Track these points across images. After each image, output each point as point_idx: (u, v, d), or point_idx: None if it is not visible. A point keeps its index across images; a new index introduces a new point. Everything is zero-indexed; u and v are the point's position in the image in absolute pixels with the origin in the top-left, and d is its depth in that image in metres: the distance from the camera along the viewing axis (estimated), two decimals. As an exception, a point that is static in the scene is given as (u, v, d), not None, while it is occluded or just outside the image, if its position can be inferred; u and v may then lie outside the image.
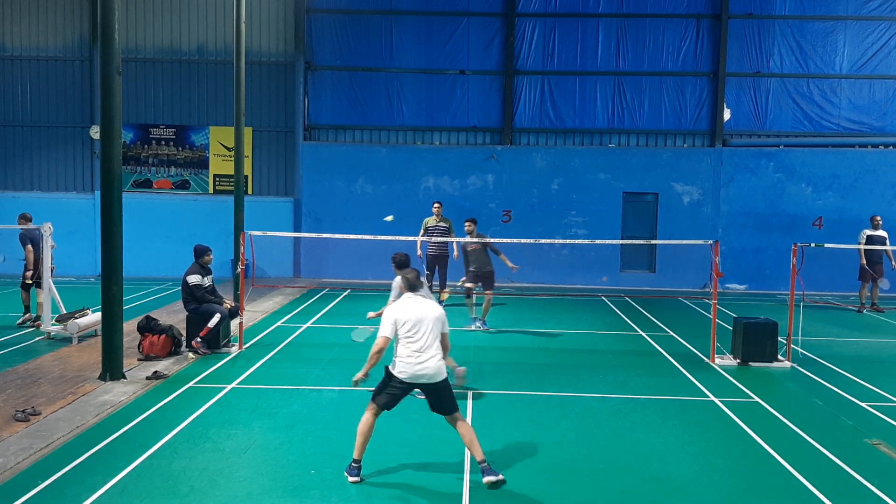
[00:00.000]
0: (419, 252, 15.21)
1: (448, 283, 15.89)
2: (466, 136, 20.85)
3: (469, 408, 8.65)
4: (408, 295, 6.74)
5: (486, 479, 6.35)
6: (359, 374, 6.63)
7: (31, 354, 10.95)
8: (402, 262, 8.54)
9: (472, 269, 13.45)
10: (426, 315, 6.56)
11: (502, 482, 6.39)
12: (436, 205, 15.65)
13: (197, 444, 7.28)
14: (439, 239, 15.23)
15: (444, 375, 6.56)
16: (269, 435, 7.62)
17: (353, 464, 6.49)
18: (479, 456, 6.45)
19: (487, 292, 13.50)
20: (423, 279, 12.54)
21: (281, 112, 20.94)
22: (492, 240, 13.69)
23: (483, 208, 20.43)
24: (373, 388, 6.72)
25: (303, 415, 8.33)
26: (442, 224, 15.50)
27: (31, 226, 13.63)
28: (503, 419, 8.29)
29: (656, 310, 16.17)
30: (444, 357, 6.66)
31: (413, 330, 6.48)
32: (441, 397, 6.57)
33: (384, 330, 6.53)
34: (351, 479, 6.43)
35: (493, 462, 6.72)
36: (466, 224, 13.63)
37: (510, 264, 13.24)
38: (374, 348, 6.51)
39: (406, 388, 6.54)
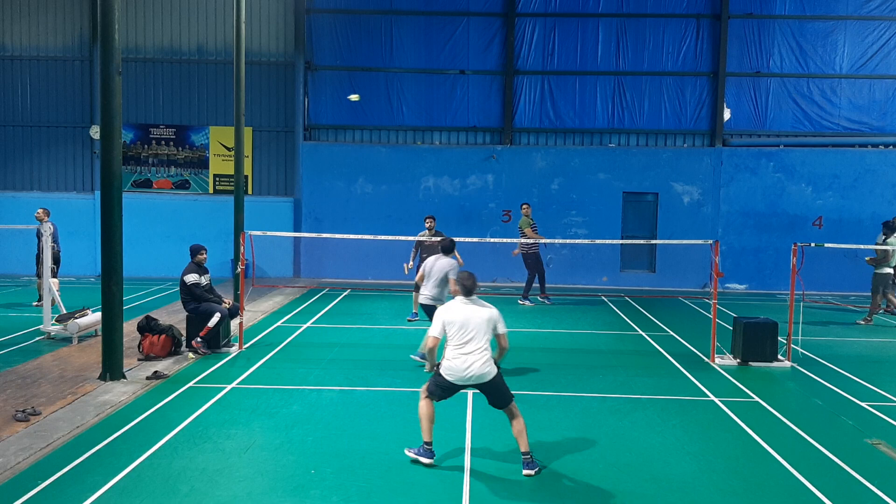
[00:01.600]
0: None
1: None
2: (466, 136, 20.85)
3: (469, 408, 8.65)
4: (461, 299, 6.87)
5: (525, 471, 6.71)
6: (427, 367, 7.27)
7: (31, 354, 10.95)
8: (446, 247, 10.50)
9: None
10: (472, 318, 6.73)
11: (539, 472, 6.74)
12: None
13: (197, 444, 7.28)
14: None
15: (493, 374, 6.76)
16: (269, 435, 7.62)
17: (424, 446, 6.83)
18: (523, 448, 6.79)
19: None
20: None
21: (281, 112, 20.95)
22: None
23: (483, 208, 20.45)
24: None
25: (303, 415, 8.33)
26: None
27: (46, 221, 14.67)
28: (503, 419, 8.28)
29: (656, 310, 16.17)
30: (499, 357, 6.95)
31: (459, 332, 6.71)
32: (493, 394, 6.89)
33: (433, 330, 6.85)
34: (424, 461, 6.78)
35: (494, 461, 6.75)
36: (427, 220, 14.60)
37: (459, 260, 14.70)
38: (427, 346, 6.92)
39: (452, 386, 6.84)
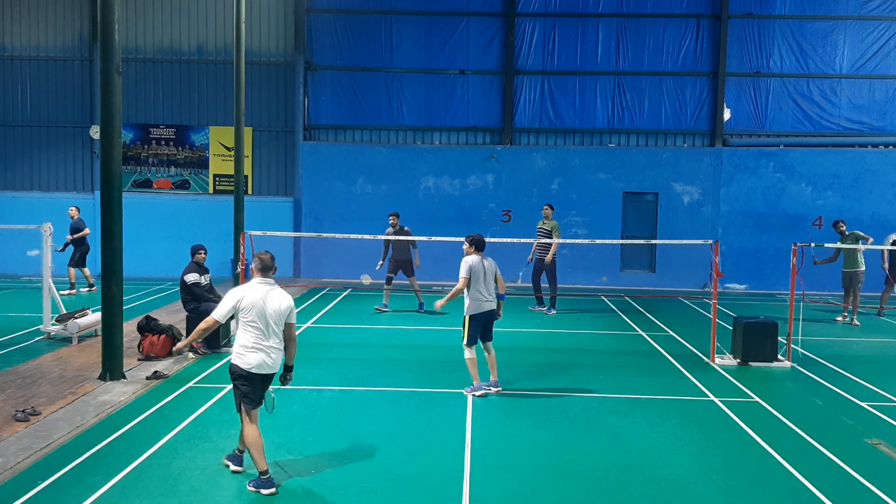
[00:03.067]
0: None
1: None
2: (466, 136, 20.85)
3: (469, 407, 8.65)
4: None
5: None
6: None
7: (31, 354, 10.95)
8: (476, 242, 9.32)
9: (394, 257, 15.15)
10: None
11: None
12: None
13: (197, 444, 7.28)
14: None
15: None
16: (268, 435, 7.57)
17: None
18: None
19: (412, 279, 15.31)
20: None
21: (281, 112, 20.94)
22: (414, 238, 14.76)
23: (483, 208, 20.45)
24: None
25: (302, 415, 8.33)
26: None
27: (76, 216, 17.23)
28: (503, 419, 8.30)
29: (656, 310, 16.17)
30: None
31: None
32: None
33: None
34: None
35: (494, 461, 6.78)
36: (391, 217, 15.07)
37: (417, 261, 15.21)
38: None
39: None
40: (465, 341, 9.10)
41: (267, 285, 6.32)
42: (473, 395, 9.11)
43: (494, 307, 9.26)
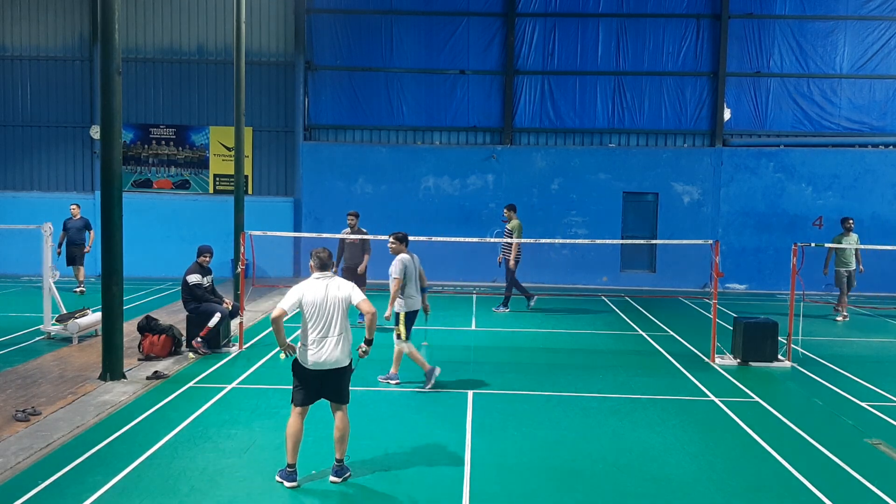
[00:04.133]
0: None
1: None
2: (466, 136, 20.85)
3: (469, 407, 8.65)
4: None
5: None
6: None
7: (31, 354, 10.95)
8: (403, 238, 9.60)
9: (346, 264, 13.81)
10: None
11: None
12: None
13: (197, 444, 7.28)
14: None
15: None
16: (269, 435, 7.62)
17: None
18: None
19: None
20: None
21: (281, 112, 20.94)
22: (370, 237, 13.74)
23: (483, 208, 20.44)
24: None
25: (303, 415, 8.31)
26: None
27: (78, 214, 17.50)
28: (503, 419, 8.30)
29: (656, 310, 16.17)
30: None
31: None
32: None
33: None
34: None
35: (494, 461, 6.76)
36: (349, 217, 13.85)
37: (363, 267, 13.76)
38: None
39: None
40: (402, 337, 9.37)
41: (326, 278, 6.81)
42: (434, 376, 9.40)
43: (418, 307, 9.58)
